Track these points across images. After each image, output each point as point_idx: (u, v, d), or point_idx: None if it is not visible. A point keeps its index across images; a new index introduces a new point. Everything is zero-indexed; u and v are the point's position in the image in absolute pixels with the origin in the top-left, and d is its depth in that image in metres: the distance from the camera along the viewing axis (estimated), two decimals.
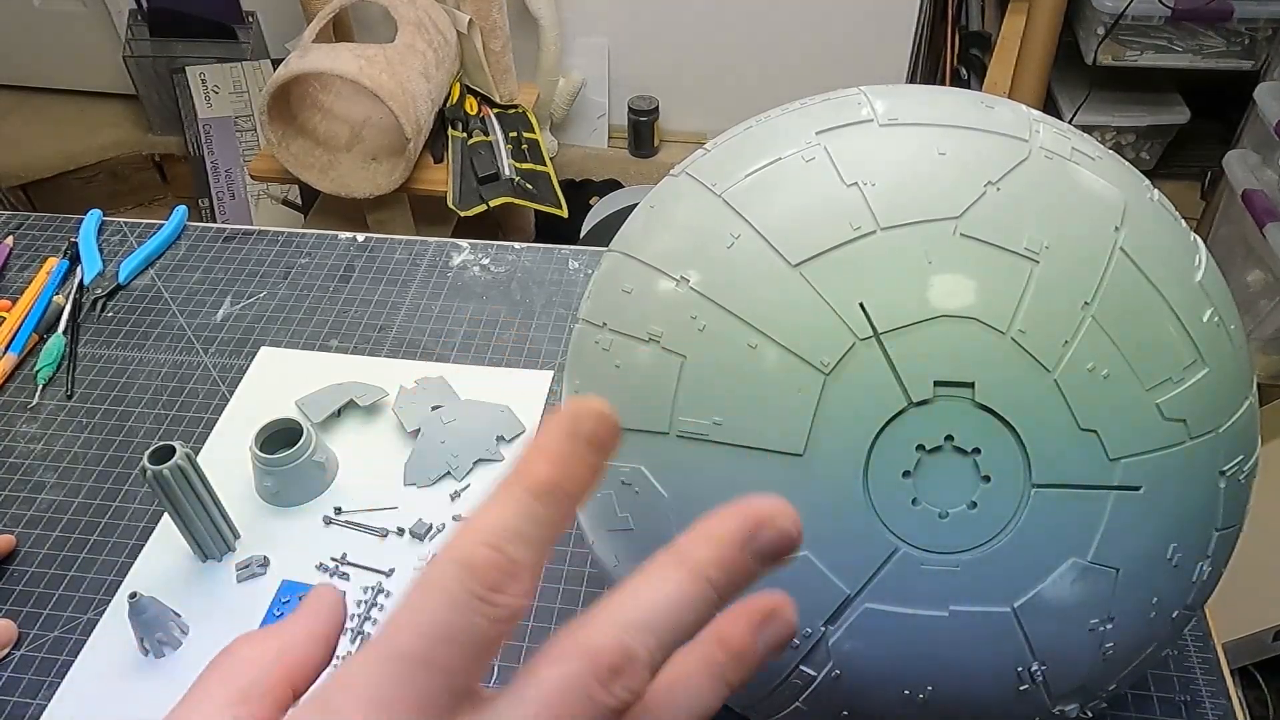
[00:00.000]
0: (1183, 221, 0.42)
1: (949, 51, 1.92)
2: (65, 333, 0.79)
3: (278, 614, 0.60)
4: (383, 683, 0.21)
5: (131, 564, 0.63)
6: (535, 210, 1.75)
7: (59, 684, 0.58)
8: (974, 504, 0.34)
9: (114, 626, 0.60)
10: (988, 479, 0.33)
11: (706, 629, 0.24)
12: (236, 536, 0.65)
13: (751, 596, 0.24)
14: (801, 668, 0.37)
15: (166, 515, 0.64)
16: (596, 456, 0.23)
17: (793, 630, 0.25)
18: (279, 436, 0.66)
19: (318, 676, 0.27)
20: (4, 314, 0.79)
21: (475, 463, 0.69)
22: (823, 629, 0.36)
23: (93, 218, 0.89)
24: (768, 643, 0.24)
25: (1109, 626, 0.36)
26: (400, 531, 0.65)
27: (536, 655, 0.23)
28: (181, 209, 0.91)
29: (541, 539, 0.23)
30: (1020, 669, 0.36)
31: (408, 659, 0.21)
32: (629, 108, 2.02)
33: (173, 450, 0.58)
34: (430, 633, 0.21)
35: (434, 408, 0.72)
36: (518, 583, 0.22)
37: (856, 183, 0.37)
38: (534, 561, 0.22)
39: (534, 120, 1.83)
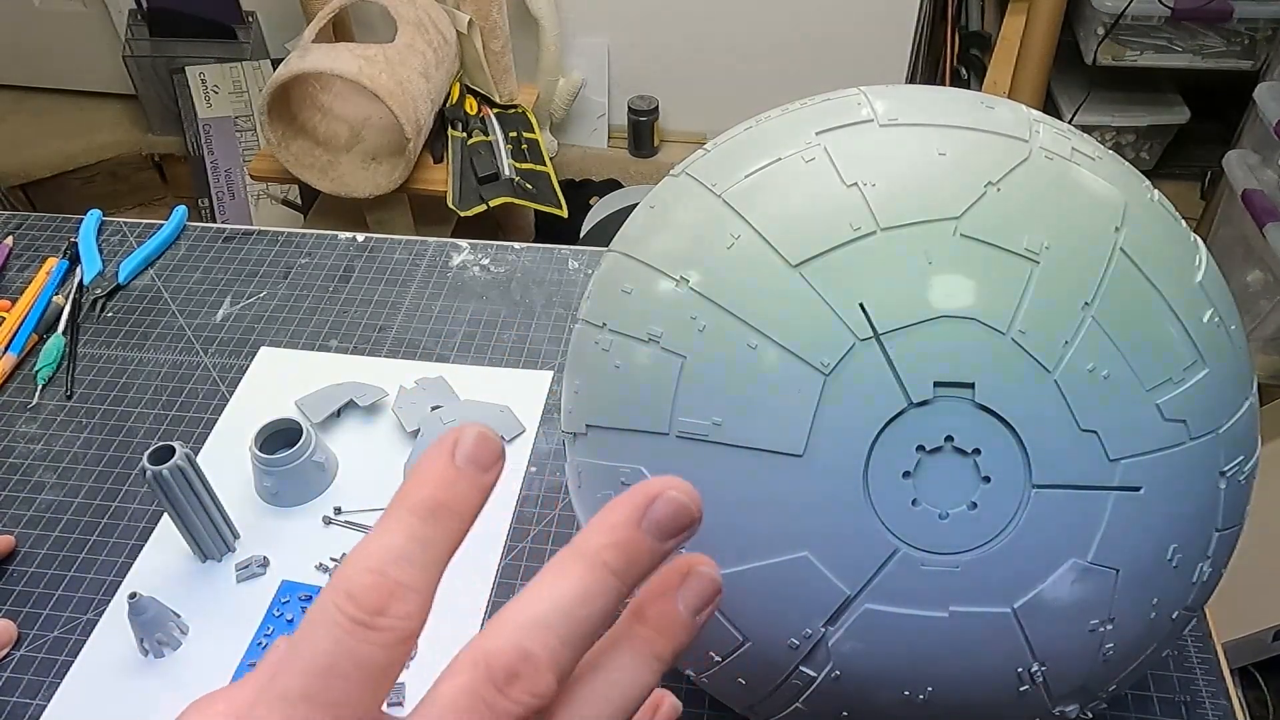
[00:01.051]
0: (1183, 222, 0.42)
1: (949, 51, 1.92)
2: (65, 333, 0.79)
3: (277, 614, 0.60)
4: None
5: (131, 564, 0.63)
6: (535, 210, 1.74)
7: (59, 684, 0.58)
8: (974, 504, 0.33)
9: (114, 626, 0.60)
10: (988, 479, 0.33)
11: (628, 609, 0.23)
12: (236, 537, 0.65)
13: (665, 567, 0.23)
14: (801, 668, 0.37)
15: (166, 515, 0.64)
16: (481, 475, 0.22)
17: (717, 585, 0.24)
18: (279, 436, 0.66)
19: None
20: (4, 314, 0.79)
21: None
22: (823, 629, 0.36)
23: (92, 218, 0.89)
24: (690, 603, 0.23)
25: (1109, 627, 0.36)
26: None
27: (437, 679, 0.22)
28: (181, 209, 0.91)
29: (429, 560, 0.22)
30: (1020, 670, 0.36)
31: (293, 698, 0.20)
32: (629, 108, 2.02)
33: (172, 450, 0.58)
34: (312, 668, 0.21)
35: (434, 408, 0.72)
36: (403, 604, 0.21)
37: (856, 183, 0.37)
38: (422, 582, 0.21)
39: (534, 120, 1.83)
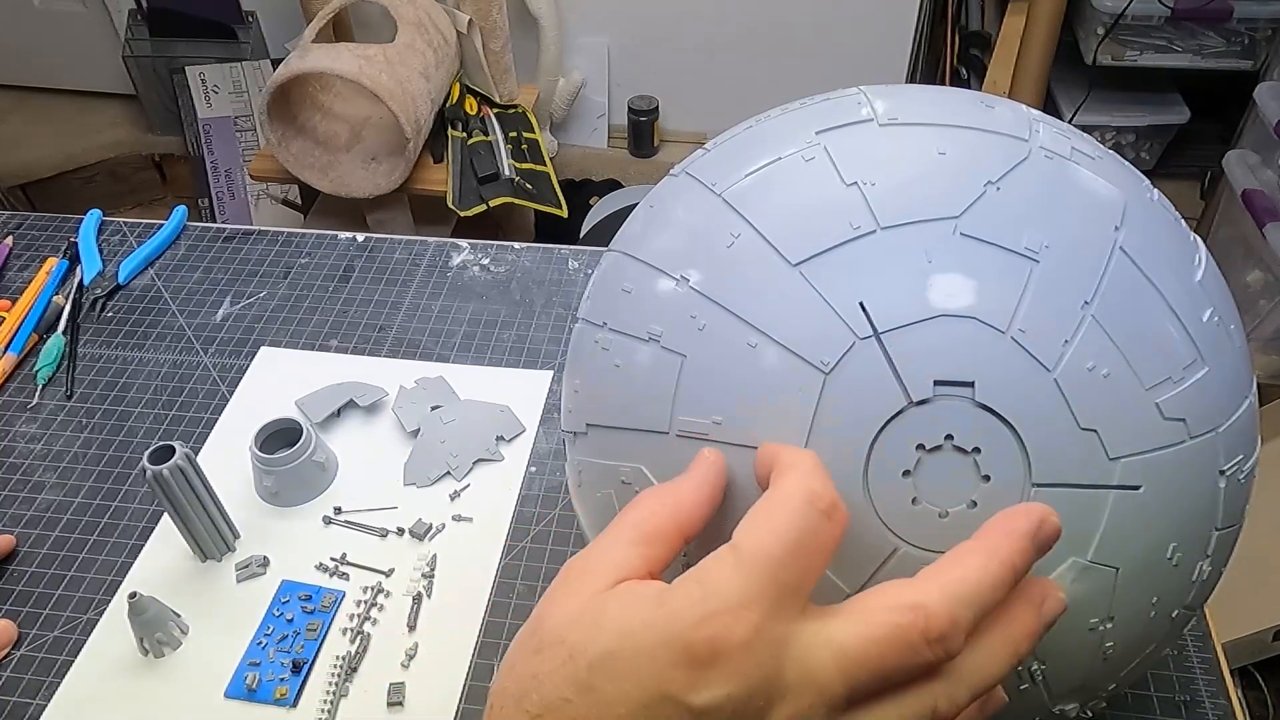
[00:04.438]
0: (1183, 221, 0.42)
1: (949, 51, 1.93)
2: (65, 333, 0.79)
3: (277, 614, 0.60)
4: (750, 575, 0.28)
5: (131, 564, 0.64)
6: (535, 210, 1.75)
7: (59, 684, 0.58)
8: (974, 503, 0.33)
9: (114, 626, 0.60)
10: (988, 478, 0.33)
11: (1002, 610, 0.30)
12: (236, 536, 0.65)
13: (1028, 582, 0.30)
14: None
15: (166, 515, 0.64)
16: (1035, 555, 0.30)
17: (1063, 605, 0.31)
18: (279, 436, 0.66)
19: (703, 527, 0.33)
20: (4, 314, 0.79)
21: (475, 463, 0.69)
22: None
23: (92, 218, 0.89)
24: (1047, 619, 0.30)
25: (1109, 626, 0.36)
26: (400, 531, 0.65)
27: (870, 593, 0.29)
28: (181, 209, 0.91)
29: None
30: (1020, 668, 0.36)
31: (771, 560, 0.28)
32: (629, 108, 2.02)
33: (172, 450, 0.58)
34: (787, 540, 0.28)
35: (434, 408, 0.72)
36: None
37: (856, 182, 0.37)
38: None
39: (534, 120, 1.83)
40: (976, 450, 0.33)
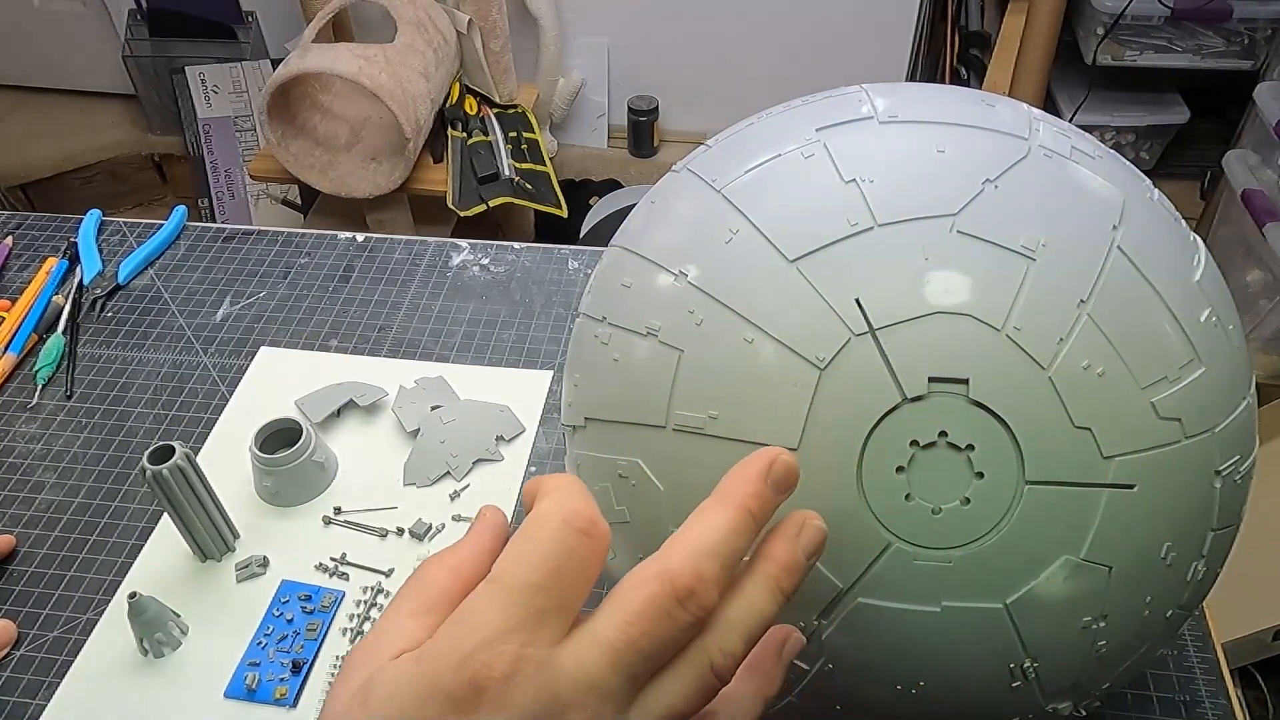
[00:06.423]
0: (1183, 221, 0.42)
1: (949, 51, 1.93)
2: (65, 333, 0.79)
3: (277, 614, 0.61)
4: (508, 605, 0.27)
5: (131, 564, 0.64)
6: (535, 210, 1.75)
7: (59, 684, 0.58)
8: (967, 500, 0.34)
9: (114, 626, 0.60)
10: (981, 475, 0.33)
11: (756, 551, 0.30)
12: (236, 536, 0.65)
13: (783, 519, 0.31)
14: (795, 661, 0.37)
15: (166, 515, 0.64)
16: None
17: (824, 535, 0.31)
18: (279, 436, 0.66)
19: None
20: (4, 314, 0.79)
21: (475, 463, 0.69)
22: (815, 623, 0.36)
23: (92, 218, 0.89)
24: (806, 548, 0.31)
25: (1102, 624, 0.36)
26: (400, 531, 0.65)
27: (621, 582, 0.28)
28: (181, 209, 0.91)
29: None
30: (1012, 665, 0.36)
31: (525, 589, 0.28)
32: (629, 108, 2.02)
33: (172, 450, 0.58)
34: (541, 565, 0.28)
35: (434, 408, 0.72)
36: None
37: (855, 179, 0.37)
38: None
39: (534, 120, 1.83)
40: (970, 447, 0.33)
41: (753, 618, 0.29)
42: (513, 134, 1.76)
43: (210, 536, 0.63)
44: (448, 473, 0.68)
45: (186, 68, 1.92)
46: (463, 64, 1.75)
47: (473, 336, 0.79)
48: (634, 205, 0.47)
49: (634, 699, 0.28)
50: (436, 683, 0.27)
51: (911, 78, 1.94)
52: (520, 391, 0.74)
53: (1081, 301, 0.35)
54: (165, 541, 0.64)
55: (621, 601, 0.28)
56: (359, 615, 0.61)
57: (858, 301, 0.35)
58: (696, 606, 0.28)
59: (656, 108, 2.02)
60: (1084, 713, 0.40)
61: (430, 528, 0.65)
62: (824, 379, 0.34)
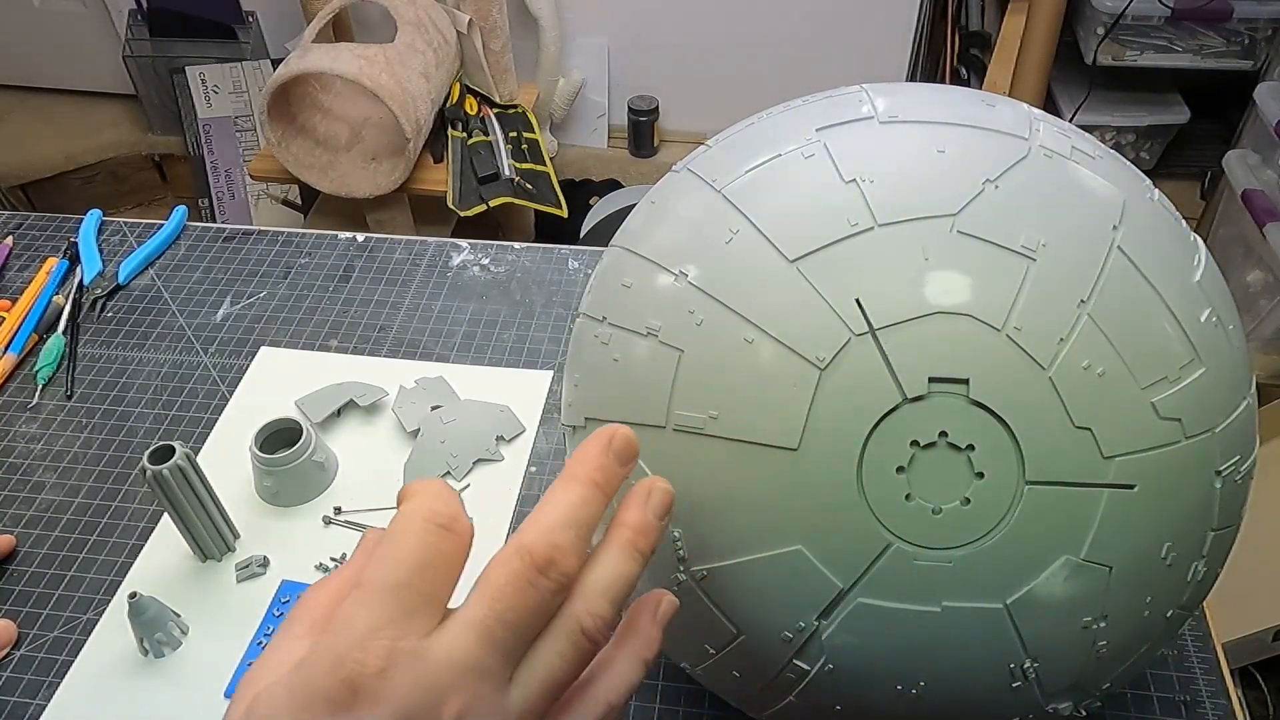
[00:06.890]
0: (1183, 221, 0.42)
1: (949, 51, 1.93)
2: (65, 333, 0.79)
3: (277, 614, 0.61)
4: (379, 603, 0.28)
5: (131, 564, 0.64)
6: (535, 210, 1.75)
7: (59, 684, 0.58)
8: (967, 500, 0.34)
9: (114, 626, 0.60)
10: (981, 475, 0.33)
11: (611, 520, 0.32)
12: (236, 536, 0.65)
13: (632, 487, 0.33)
14: (795, 661, 0.37)
15: (166, 515, 0.64)
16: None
17: (671, 495, 0.34)
18: (279, 436, 0.66)
19: None
20: (4, 314, 0.79)
21: (475, 463, 0.69)
22: (816, 623, 0.36)
23: (92, 218, 0.89)
24: (655, 510, 0.33)
25: (1102, 624, 0.36)
26: None
27: (485, 566, 0.30)
28: (181, 209, 0.91)
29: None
30: (1013, 665, 0.36)
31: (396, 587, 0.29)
32: (629, 108, 2.02)
33: (172, 450, 0.58)
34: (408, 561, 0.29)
35: (434, 408, 0.72)
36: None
37: (855, 179, 0.37)
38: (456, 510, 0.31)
39: (534, 120, 1.83)
40: (970, 447, 0.33)
41: (615, 579, 0.31)
42: (513, 134, 1.76)
43: (210, 536, 0.63)
44: (448, 473, 0.68)
45: (187, 68, 1.92)
46: (463, 64, 1.75)
47: (473, 336, 0.79)
48: (634, 205, 0.47)
49: (511, 674, 0.29)
50: (313, 688, 0.27)
51: (911, 78, 1.94)
52: (520, 391, 0.74)
53: (1082, 301, 0.35)
54: (165, 541, 0.64)
55: (485, 582, 0.29)
56: None
57: (858, 301, 0.35)
58: (557, 574, 0.29)
59: (656, 108, 2.02)
60: (1084, 713, 0.40)
61: None
62: (824, 379, 0.34)
